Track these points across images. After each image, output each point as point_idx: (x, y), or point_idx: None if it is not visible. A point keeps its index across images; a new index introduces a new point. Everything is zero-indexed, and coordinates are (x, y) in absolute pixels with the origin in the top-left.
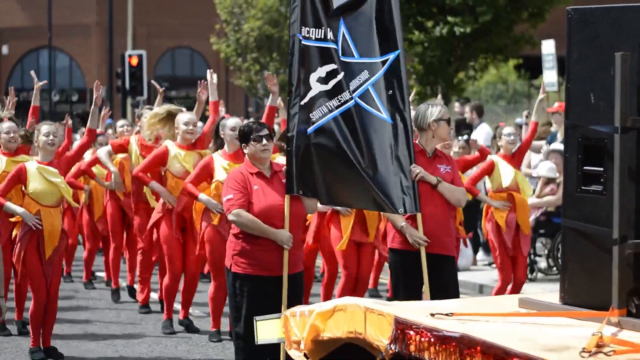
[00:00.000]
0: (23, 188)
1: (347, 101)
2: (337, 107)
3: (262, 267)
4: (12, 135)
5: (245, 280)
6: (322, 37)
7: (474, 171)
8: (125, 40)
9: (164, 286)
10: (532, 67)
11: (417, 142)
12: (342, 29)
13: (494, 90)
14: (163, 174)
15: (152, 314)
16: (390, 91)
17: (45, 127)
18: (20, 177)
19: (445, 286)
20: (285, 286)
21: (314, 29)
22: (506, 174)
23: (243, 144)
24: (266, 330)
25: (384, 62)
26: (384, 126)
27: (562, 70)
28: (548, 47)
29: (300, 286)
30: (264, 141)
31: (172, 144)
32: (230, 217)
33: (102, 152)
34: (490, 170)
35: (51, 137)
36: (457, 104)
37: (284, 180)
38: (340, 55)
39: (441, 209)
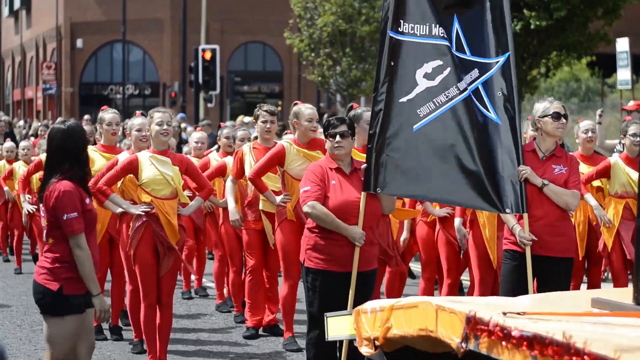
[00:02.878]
0: (136, 180)
1: (454, 97)
2: (445, 103)
3: (334, 263)
4: (143, 133)
5: (318, 275)
6: (427, 33)
7: (588, 171)
8: (198, 35)
9: (283, 296)
10: (606, 65)
11: (534, 142)
12: (456, 25)
13: (567, 87)
14: (281, 175)
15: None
16: (499, 92)
17: (158, 115)
18: (130, 168)
19: (553, 289)
20: (354, 283)
21: (418, 25)
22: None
23: (324, 139)
24: (337, 326)
25: (494, 63)
26: (492, 125)
27: (636, 68)
28: (622, 45)
29: (371, 284)
30: (338, 138)
31: (289, 143)
32: (305, 208)
33: (229, 187)
34: (607, 172)
35: (165, 126)
36: None
37: (363, 178)
38: (453, 49)
39: (551, 210)
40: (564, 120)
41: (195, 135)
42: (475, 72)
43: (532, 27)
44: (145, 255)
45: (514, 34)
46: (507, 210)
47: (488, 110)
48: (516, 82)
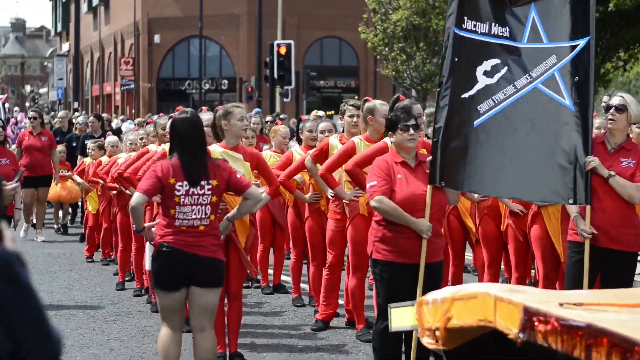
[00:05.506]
0: None
1: (512, 94)
2: (503, 101)
3: (402, 255)
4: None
5: (385, 266)
6: (487, 31)
7: None
8: (274, 31)
9: (351, 288)
10: None
11: (605, 134)
12: (533, 14)
13: None
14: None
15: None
16: (577, 77)
17: (239, 111)
18: None
19: (615, 282)
20: (422, 274)
21: (479, 23)
22: None
23: (390, 133)
24: (400, 317)
25: (573, 47)
26: (564, 113)
27: None
28: None
29: (438, 276)
30: (411, 131)
31: (359, 139)
32: (372, 203)
33: (313, 169)
34: None
35: (245, 121)
36: None
37: (428, 171)
38: (524, 42)
39: (618, 202)
40: (613, 112)
41: (282, 130)
42: (552, 59)
43: (612, 9)
44: None
45: None
46: (570, 201)
47: (563, 97)
48: (594, 68)
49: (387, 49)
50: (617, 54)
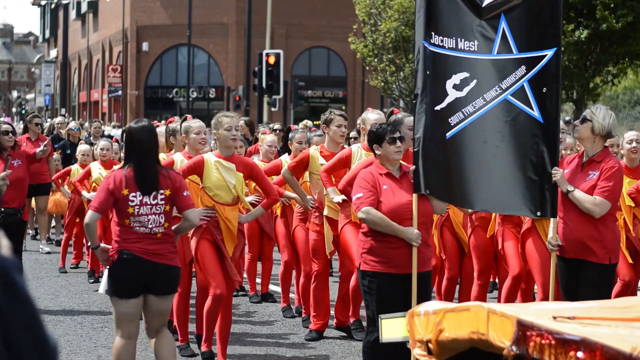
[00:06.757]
0: (200, 182)
1: (482, 107)
2: (472, 113)
3: (390, 265)
4: (202, 136)
5: (374, 277)
6: (454, 46)
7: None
8: (263, 40)
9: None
10: None
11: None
12: (503, 25)
13: (632, 95)
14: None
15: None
16: (545, 88)
17: (227, 120)
18: (195, 168)
19: (588, 296)
20: (415, 283)
21: (446, 38)
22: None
23: (375, 145)
24: (391, 328)
25: (541, 58)
26: (533, 124)
27: None
28: None
29: (428, 285)
30: (398, 143)
31: (357, 147)
32: (359, 214)
33: (290, 178)
34: None
35: (233, 131)
36: None
37: (412, 181)
38: (494, 53)
39: (583, 214)
40: (577, 122)
41: (269, 139)
42: (521, 70)
43: (604, 28)
44: (207, 248)
45: (579, 41)
46: (538, 214)
47: (532, 109)
48: (560, 79)
49: (376, 59)
50: (607, 68)
